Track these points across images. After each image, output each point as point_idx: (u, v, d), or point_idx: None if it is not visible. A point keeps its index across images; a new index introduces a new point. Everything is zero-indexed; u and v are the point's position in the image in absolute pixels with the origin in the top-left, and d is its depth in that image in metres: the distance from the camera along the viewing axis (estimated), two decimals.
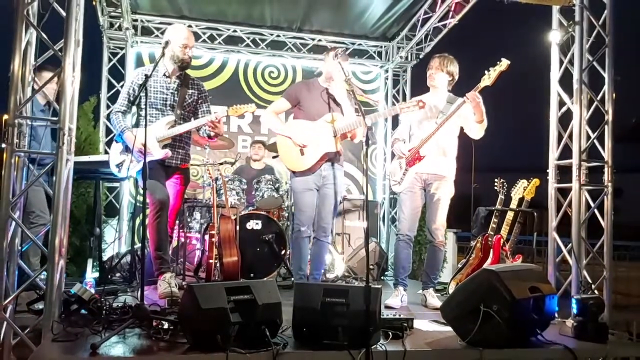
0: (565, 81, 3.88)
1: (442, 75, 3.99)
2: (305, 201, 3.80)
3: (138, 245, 4.93)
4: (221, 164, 5.20)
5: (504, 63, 3.69)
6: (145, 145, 3.10)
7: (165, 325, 2.73)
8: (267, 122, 3.94)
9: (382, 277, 5.77)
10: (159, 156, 3.62)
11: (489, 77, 3.73)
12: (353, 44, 7.10)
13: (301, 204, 3.82)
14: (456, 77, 4.04)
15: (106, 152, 5.95)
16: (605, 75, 3.75)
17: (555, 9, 3.95)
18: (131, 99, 3.67)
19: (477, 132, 3.95)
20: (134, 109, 3.72)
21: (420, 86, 4.18)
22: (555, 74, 3.96)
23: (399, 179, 4.05)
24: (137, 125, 3.74)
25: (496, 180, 4.51)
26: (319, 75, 4.04)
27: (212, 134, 3.78)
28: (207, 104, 3.91)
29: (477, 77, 3.79)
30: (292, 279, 3.93)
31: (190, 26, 6.53)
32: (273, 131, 3.96)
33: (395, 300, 3.88)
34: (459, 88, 4.00)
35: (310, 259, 3.92)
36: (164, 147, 3.65)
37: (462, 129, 4.03)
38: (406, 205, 4.00)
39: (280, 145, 3.90)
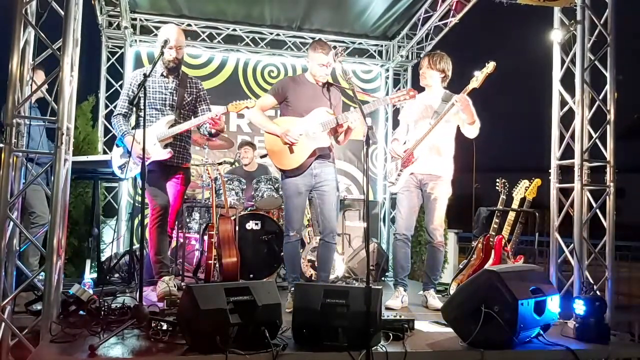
0: (567, 80, 3.86)
1: (433, 73, 3.98)
2: (294, 205, 3.66)
3: (137, 245, 4.93)
4: (220, 163, 5.18)
5: (490, 65, 3.73)
6: (144, 150, 3.08)
7: (164, 326, 2.71)
8: (253, 119, 3.77)
9: (383, 278, 5.75)
10: (161, 157, 3.61)
11: (476, 80, 3.76)
12: (353, 42, 7.08)
13: (290, 209, 3.68)
14: (449, 74, 4.02)
15: (105, 152, 5.94)
16: (607, 75, 3.73)
17: (557, 8, 3.93)
18: (131, 99, 3.65)
19: (470, 132, 3.94)
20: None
21: (420, 85, 4.14)
22: (556, 73, 3.95)
23: (394, 179, 4.06)
24: (136, 126, 3.71)
25: (498, 180, 4.49)
26: (304, 70, 3.91)
27: (213, 131, 3.74)
28: (207, 102, 3.90)
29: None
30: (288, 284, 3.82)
31: (189, 25, 6.53)
32: (260, 129, 3.79)
33: (395, 301, 3.85)
34: (457, 87, 3.98)
35: (317, 261, 3.84)
36: (166, 146, 3.64)
37: (459, 128, 4.02)
38: (403, 204, 3.99)
39: (268, 144, 3.73)
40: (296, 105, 3.66)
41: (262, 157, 5.25)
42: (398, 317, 2.93)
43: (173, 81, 3.77)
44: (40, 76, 3.68)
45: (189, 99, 3.82)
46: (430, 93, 4.02)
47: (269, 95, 3.77)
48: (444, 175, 3.95)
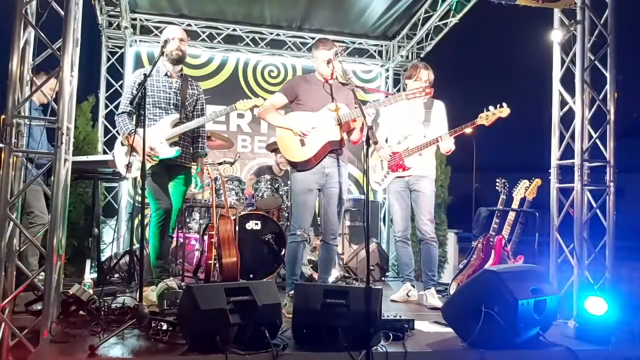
0: (567, 80, 3.87)
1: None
2: (303, 203, 3.60)
3: (137, 245, 4.92)
4: (220, 163, 5.18)
5: (505, 110, 3.75)
6: (144, 149, 3.08)
7: (164, 326, 2.71)
8: (265, 116, 3.72)
9: (383, 278, 5.75)
10: (168, 155, 3.64)
11: (486, 118, 3.80)
12: (353, 42, 7.08)
13: (299, 206, 3.62)
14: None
15: (105, 152, 5.94)
16: (607, 75, 3.73)
17: (557, 8, 3.93)
18: (132, 99, 3.66)
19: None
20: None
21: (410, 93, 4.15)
22: (557, 73, 3.95)
23: (380, 180, 4.23)
24: (137, 125, 3.72)
25: (497, 180, 4.49)
26: (305, 70, 3.96)
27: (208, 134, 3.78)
28: (203, 105, 3.99)
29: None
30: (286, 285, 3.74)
31: (189, 25, 6.54)
32: (273, 125, 3.77)
33: (400, 294, 4.06)
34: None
35: (318, 263, 3.83)
36: (171, 145, 3.68)
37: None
38: (395, 208, 4.16)
39: (280, 138, 3.69)
40: (308, 104, 3.63)
41: (273, 150, 5.30)
42: (398, 317, 2.93)
43: (177, 81, 3.81)
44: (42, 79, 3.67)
45: (190, 100, 3.88)
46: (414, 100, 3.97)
47: (280, 94, 3.73)
48: (427, 174, 4.12)
